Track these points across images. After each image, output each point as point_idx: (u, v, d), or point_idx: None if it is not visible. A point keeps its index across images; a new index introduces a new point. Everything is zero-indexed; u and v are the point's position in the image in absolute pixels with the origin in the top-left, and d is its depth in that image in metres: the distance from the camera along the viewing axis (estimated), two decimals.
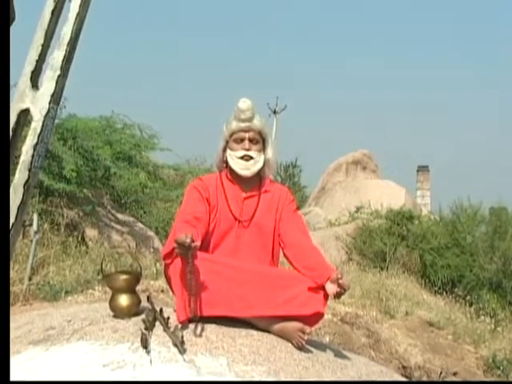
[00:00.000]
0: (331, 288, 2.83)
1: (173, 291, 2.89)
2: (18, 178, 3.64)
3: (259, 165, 3.12)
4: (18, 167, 3.66)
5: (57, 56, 3.75)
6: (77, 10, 3.77)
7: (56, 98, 3.76)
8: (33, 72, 3.76)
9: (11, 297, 6.00)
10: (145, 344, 2.52)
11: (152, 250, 9.39)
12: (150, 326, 2.64)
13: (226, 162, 3.15)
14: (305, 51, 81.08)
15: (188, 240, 2.53)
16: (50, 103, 3.71)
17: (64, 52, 3.75)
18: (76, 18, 3.78)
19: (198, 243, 2.60)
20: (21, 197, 3.62)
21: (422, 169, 37.50)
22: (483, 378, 7.48)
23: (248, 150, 3.09)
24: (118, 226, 9.77)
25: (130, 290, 2.87)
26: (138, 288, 2.97)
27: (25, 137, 3.74)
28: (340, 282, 2.79)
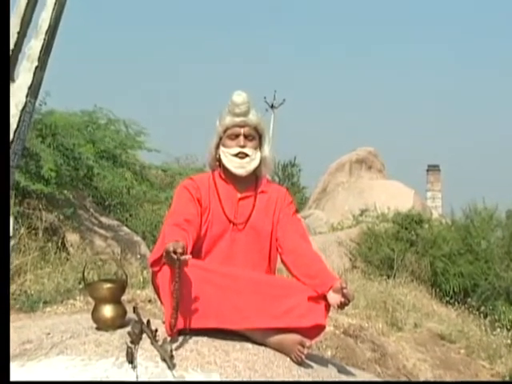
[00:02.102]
0: (334, 298, 2.83)
1: (161, 301, 2.89)
2: None
3: (255, 163, 3.13)
4: None
5: (34, 45, 3.75)
6: None
7: (34, 91, 3.76)
8: None
9: None
10: (130, 359, 2.51)
11: (139, 256, 9.35)
12: (136, 339, 2.63)
13: (219, 160, 3.15)
14: (305, 42, 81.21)
15: (179, 250, 2.53)
16: (27, 97, 3.71)
17: (42, 41, 3.75)
18: (55, 4, 3.78)
19: (188, 257, 2.60)
20: None
21: (433, 168, 37.50)
22: None
23: (243, 146, 3.09)
24: (102, 231, 9.74)
25: (115, 300, 2.87)
26: (124, 298, 2.97)
27: None
28: (344, 291, 2.79)
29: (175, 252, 2.53)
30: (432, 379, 7.25)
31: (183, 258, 2.53)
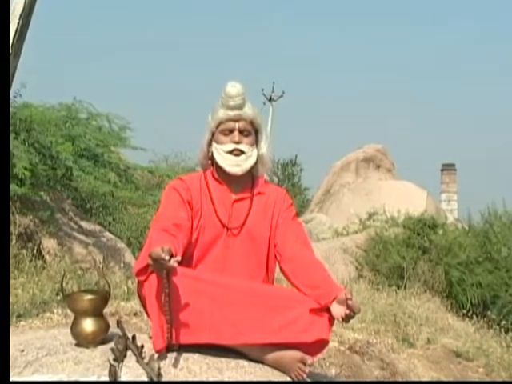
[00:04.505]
0: (338, 310, 2.83)
1: (148, 314, 2.89)
2: None
3: (251, 161, 3.13)
4: None
5: None
6: None
7: None
8: None
9: None
10: (114, 378, 2.51)
11: (123, 264, 9.35)
12: (120, 357, 2.63)
13: (212, 159, 3.16)
14: (305, 30, 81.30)
15: (165, 256, 2.51)
16: None
17: (15, 26, 3.74)
18: None
19: (177, 259, 2.58)
20: None
21: (448, 168, 37.65)
22: None
23: (238, 142, 3.09)
24: (82, 236, 9.72)
25: (96, 312, 2.87)
26: (106, 311, 2.97)
27: None
28: (349, 302, 2.79)
29: (161, 258, 2.51)
30: None
31: (171, 263, 2.52)
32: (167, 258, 2.50)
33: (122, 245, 10.29)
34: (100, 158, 10.49)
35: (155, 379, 2.50)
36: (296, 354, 2.79)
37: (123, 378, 2.53)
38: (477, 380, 7.83)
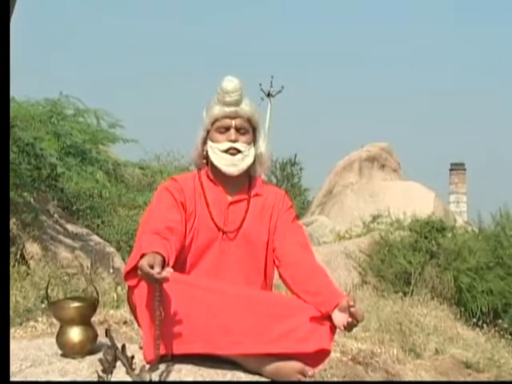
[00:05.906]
0: (340, 318, 2.83)
1: (138, 323, 2.89)
2: None
3: (249, 160, 3.13)
4: None
5: None
6: None
7: None
8: None
9: None
10: None
11: (112, 270, 9.33)
12: (109, 368, 2.63)
13: (207, 158, 3.16)
14: (304, 21, 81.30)
15: (157, 269, 2.51)
16: None
17: None
18: None
19: (169, 272, 2.58)
20: None
21: (457, 167, 37.71)
22: None
23: (234, 141, 3.09)
24: (68, 240, 9.71)
25: (84, 321, 2.87)
26: (94, 319, 2.97)
27: None
28: (352, 310, 2.79)
29: (152, 268, 2.50)
30: None
31: (162, 275, 2.52)
32: (158, 270, 2.50)
33: (110, 249, 10.27)
34: (87, 156, 10.44)
35: None
36: (295, 364, 2.79)
37: None
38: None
